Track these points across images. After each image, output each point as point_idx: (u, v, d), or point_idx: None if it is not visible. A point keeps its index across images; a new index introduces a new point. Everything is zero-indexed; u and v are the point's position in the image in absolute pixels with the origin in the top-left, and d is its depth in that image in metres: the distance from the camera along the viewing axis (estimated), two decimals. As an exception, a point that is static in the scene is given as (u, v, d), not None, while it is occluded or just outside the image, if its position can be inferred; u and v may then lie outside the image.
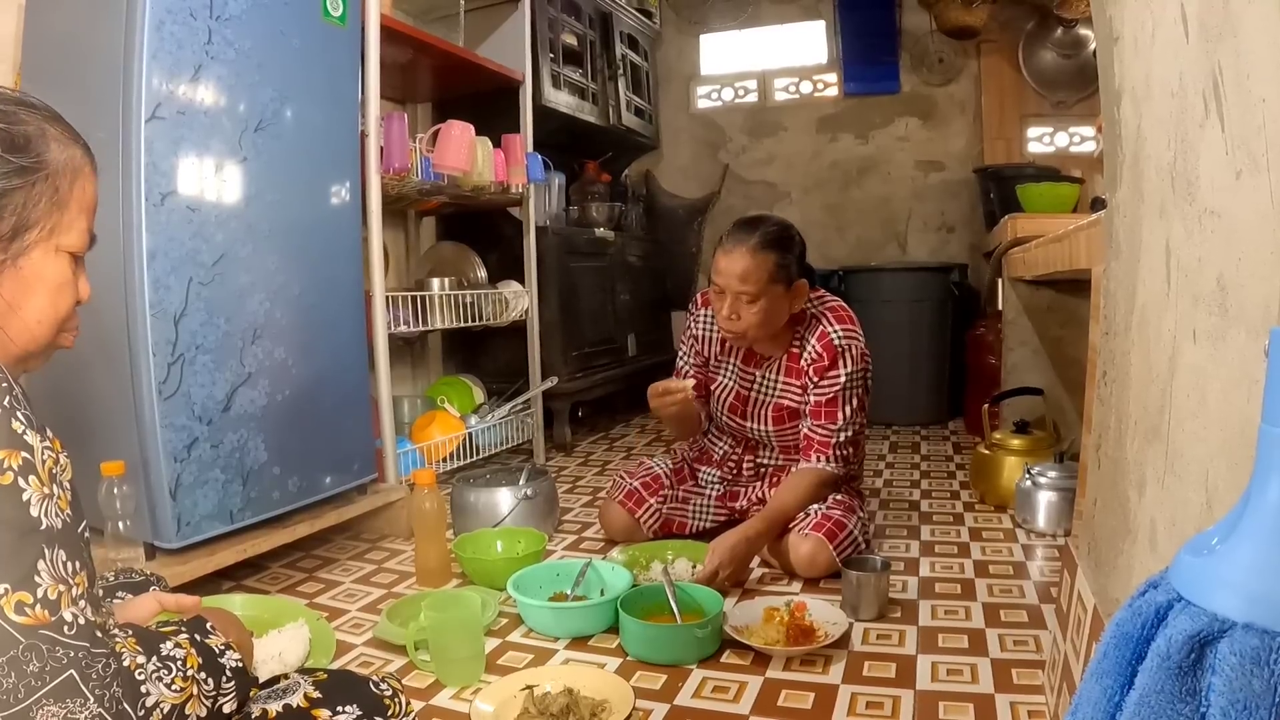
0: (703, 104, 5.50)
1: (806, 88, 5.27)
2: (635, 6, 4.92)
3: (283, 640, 1.63)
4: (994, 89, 4.79)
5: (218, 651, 1.03)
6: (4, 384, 0.89)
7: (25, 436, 0.88)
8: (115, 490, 1.79)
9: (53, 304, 1.02)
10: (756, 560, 2.26)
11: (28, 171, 0.97)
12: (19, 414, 0.89)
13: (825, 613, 1.86)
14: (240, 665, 1.04)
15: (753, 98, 5.39)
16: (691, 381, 2.38)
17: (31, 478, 0.87)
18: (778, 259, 2.18)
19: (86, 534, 1.06)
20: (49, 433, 0.98)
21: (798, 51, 5.26)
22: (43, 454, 0.90)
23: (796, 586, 2.18)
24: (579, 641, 1.89)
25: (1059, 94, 4.66)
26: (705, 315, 2.47)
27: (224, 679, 1.00)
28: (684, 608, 1.88)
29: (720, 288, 2.22)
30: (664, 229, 5.16)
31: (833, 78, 5.19)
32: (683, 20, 5.45)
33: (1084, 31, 4.52)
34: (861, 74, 5.06)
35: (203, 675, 0.97)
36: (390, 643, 1.87)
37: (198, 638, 1.02)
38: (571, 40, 4.24)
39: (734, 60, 5.41)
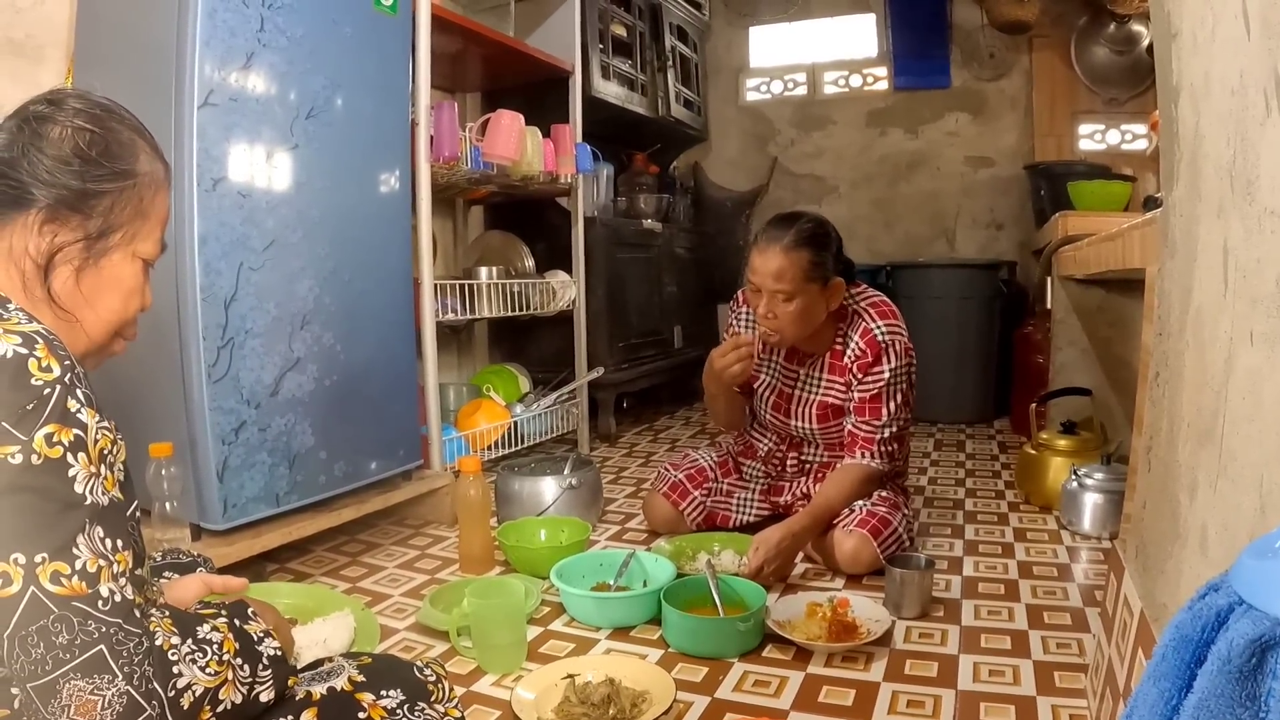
0: (752, 96, 5.46)
1: (856, 81, 5.22)
2: (685, -2, 4.90)
3: (328, 627, 1.65)
4: (1045, 85, 4.70)
5: (256, 638, 1.02)
6: (67, 362, 0.91)
7: (79, 415, 0.89)
8: (163, 471, 1.82)
9: (124, 306, 1.08)
10: (800, 555, 2.24)
11: (121, 177, 1.04)
12: (78, 392, 0.90)
13: (868, 610, 1.84)
14: (279, 653, 1.03)
15: (802, 91, 5.34)
16: (754, 334, 2.34)
17: (81, 455, 0.88)
18: (812, 257, 2.15)
19: (136, 517, 1.08)
20: (105, 415, 0.99)
21: (848, 44, 5.20)
22: (96, 433, 0.91)
23: (839, 583, 2.16)
24: (621, 632, 1.88)
25: (1111, 90, 4.57)
26: (747, 312, 2.45)
27: (261, 666, 1.00)
28: (727, 601, 1.87)
29: (756, 286, 2.20)
30: (711, 221, 5.14)
31: (883, 71, 5.13)
32: (732, 12, 5.42)
33: (1137, 27, 4.42)
34: (912, 68, 5.00)
35: (239, 661, 0.97)
36: (433, 628, 1.87)
37: (237, 623, 1.02)
38: (621, 31, 4.22)
39: (783, 53, 5.37)
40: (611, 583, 2.05)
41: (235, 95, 1.97)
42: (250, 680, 0.97)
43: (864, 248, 4.87)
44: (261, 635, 1.03)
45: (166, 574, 1.37)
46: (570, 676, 1.57)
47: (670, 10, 4.70)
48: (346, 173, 2.29)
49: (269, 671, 1.00)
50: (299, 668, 1.23)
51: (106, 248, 1.04)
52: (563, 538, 2.36)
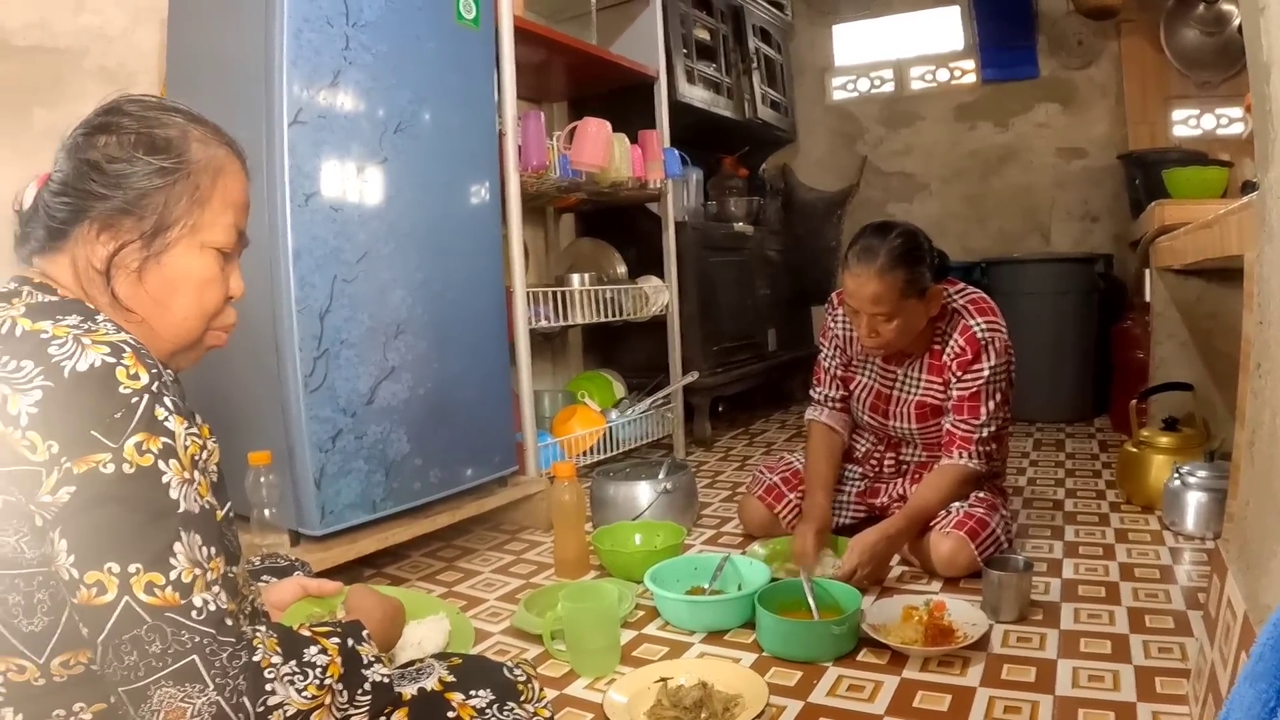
0: (838, 95, 5.39)
1: (943, 75, 5.10)
2: (766, -1, 4.87)
3: (423, 630, 1.66)
4: (1135, 71, 4.50)
5: (365, 662, 1.01)
6: (154, 370, 0.92)
7: (167, 422, 0.90)
8: (262, 479, 1.87)
9: (199, 299, 1.05)
10: (896, 558, 2.19)
11: (168, 172, 1.01)
12: (165, 400, 0.91)
13: (965, 613, 1.78)
14: (385, 680, 1.02)
15: (888, 87, 5.24)
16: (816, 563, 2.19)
17: (172, 461, 0.89)
18: (907, 275, 2.08)
19: (230, 520, 1.10)
20: (197, 419, 1.01)
21: (933, 38, 5.09)
22: (185, 440, 0.92)
23: (936, 585, 2.10)
24: (715, 636, 1.87)
25: (1203, 74, 4.34)
26: (844, 315, 2.39)
27: (360, 692, 0.99)
28: (822, 604, 1.83)
29: (854, 308, 2.15)
30: (802, 223, 5.07)
31: (969, 64, 5.01)
32: (814, 11, 5.35)
33: (1227, 7, 4.20)
34: (999, 59, 4.86)
35: (340, 686, 0.96)
36: (527, 632, 1.89)
37: (349, 643, 1.01)
38: (704, 35, 4.20)
39: (868, 50, 5.28)
40: (706, 586, 2.03)
41: (324, 112, 2.02)
42: (346, 705, 0.97)
43: (957, 244, 4.74)
44: (371, 660, 1.02)
45: (265, 578, 1.41)
46: (663, 680, 1.56)
47: (752, 12, 4.66)
48: (436, 185, 2.33)
49: (368, 697, 0.99)
50: (395, 666, 1.25)
51: (166, 244, 1.02)
52: (657, 542, 2.35)
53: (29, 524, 0.85)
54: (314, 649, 0.96)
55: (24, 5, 2.18)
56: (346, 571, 2.09)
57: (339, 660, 0.98)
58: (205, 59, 2.12)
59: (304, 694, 0.92)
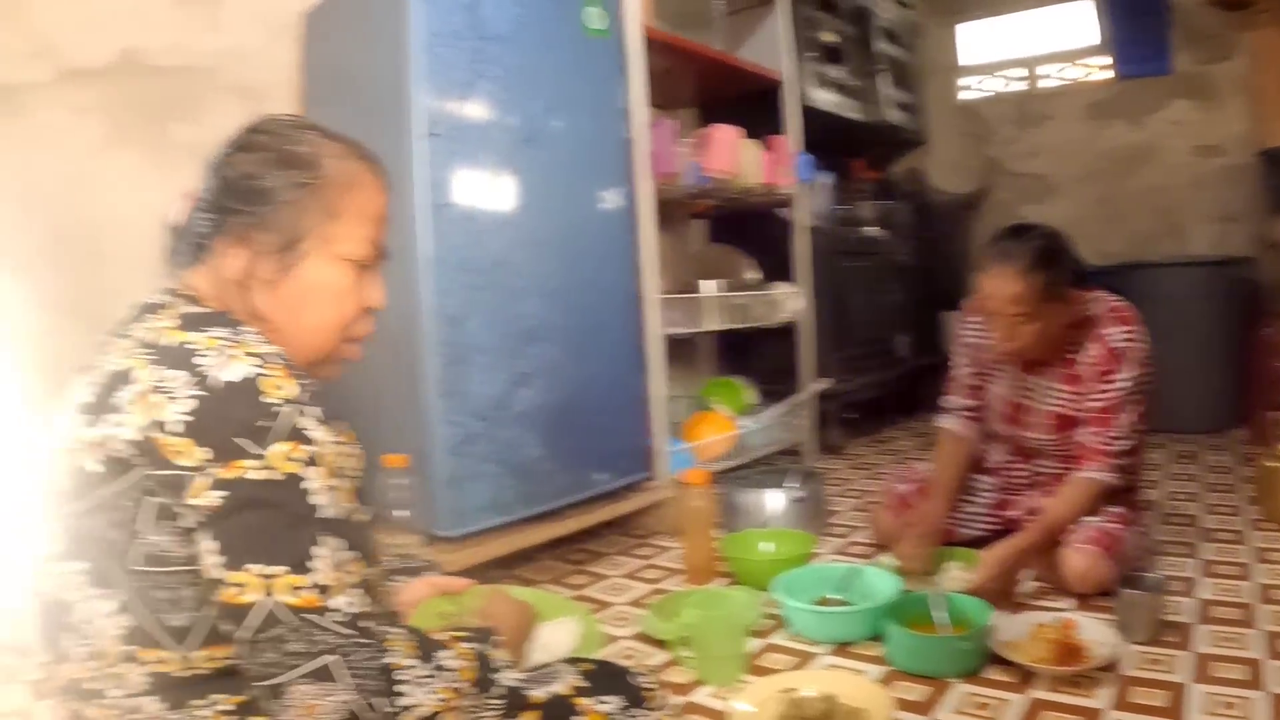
0: (967, 95, 5.23)
1: (1074, 73, 4.88)
2: (891, -1, 4.77)
3: (554, 632, 1.68)
4: (1273, 64, 4.17)
5: (496, 666, 1.03)
6: (300, 381, 0.95)
7: (311, 431, 0.93)
8: (396, 481, 1.92)
9: (333, 310, 1.08)
10: (1027, 573, 2.10)
11: (300, 186, 1.04)
12: (309, 410, 0.94)
13: (1095, 632, 1.70)
14: (516, 684, 1.04)
15: (1018, 86, 5.05)
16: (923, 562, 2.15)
17: (315, 469, 0.93)
18: (1048, 277, 2.01)
19: (369, 525, 1.14)
20: (341, 426, 1.05)
21: (1063, 35, 4.88)
22: (328, 447, 0.95)
23: (1067, 602, 2.01)
24: (842, 647, 1.83)
25: None
26: (979, 323, 2.32)
27: (491, 695, 1.00)
28: (951, 619, 1.77)
29: (991, 311, 2.07)
30: (933, 226, 4.92)
31: (1101, 61, 4.77)
32: (941, 10, 5.20)
33: None
34: (1131, 55, 4.61)
35: (473, 689, 0.98)
36: (654, 638, 1.88)
37: (482, 647, 1.03)
38: (830, 37, 4.13)
39: (997, 48, 5.10)
40: (834, 597, 1.99)
41: (458, 124, 2.08)
42: (477, 708, 0.98)
43: (1090, 248, 4.47)
44: (503, 664, 1.04)
45: (397, 578, 1.44)
46: (788, 691, 1.53)
47: (878, 13, 4.56)
48: (568, 192, 2.37)
49: (499, 700, 1.01)
50: (524, 669, 1.26)
51: (299, 255, 1.04)
52: (786, 550, 2.32)
53: (178, 525, 0.90)
54: (447, 653, 0.98)
55: (163, 27, 2.30)
56: (477, 573, 2.11)
57: (471, 664, 1.00)
58: (340, 74, 2.22)
59: (436, 695, 0.93)
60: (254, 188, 1.03)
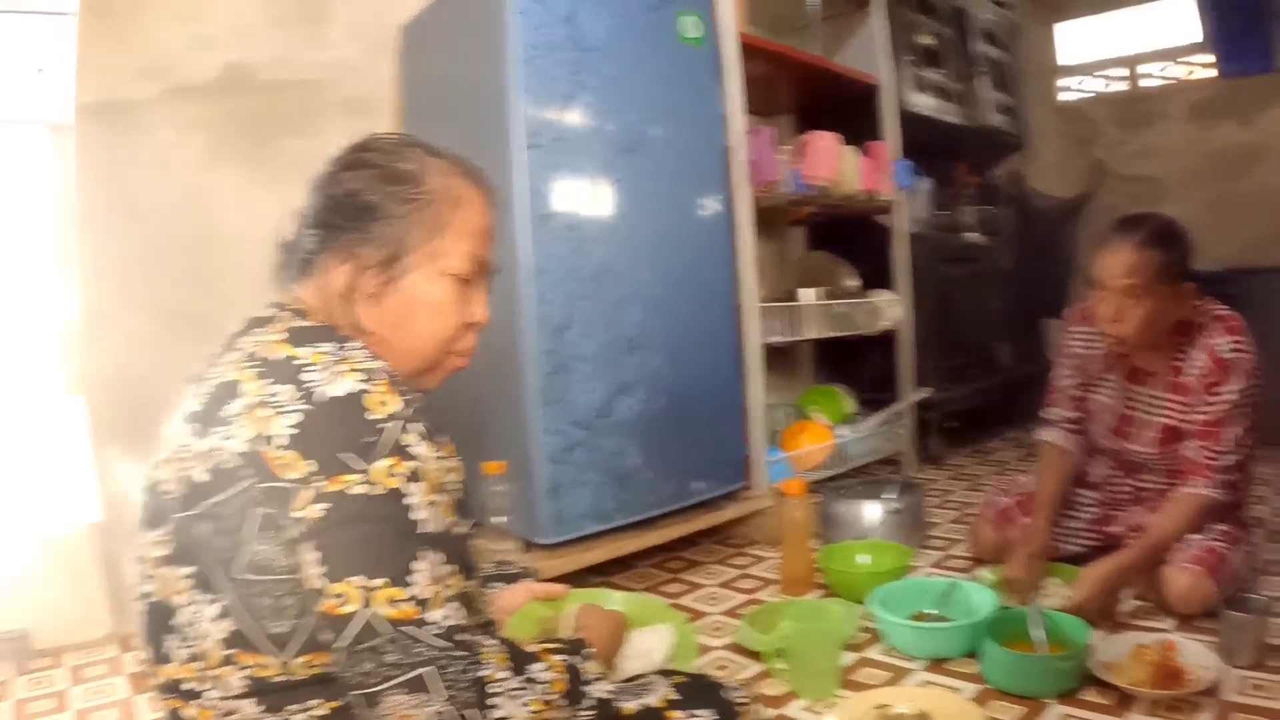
0: (1068, 96, 5.08)
1: (1177, 71, 4.70)
2: (990, -1, 4.66)
3: (649, 639, 1.69)
4: None
5: (588, 679, 1.04)
6: (405, 397, 0.98)
7: (414, 448, 0.96)
8: (497, 488, 1.95)
9: (436, 324, 1.10)
10: (1129, 591, 2.04)
11: (405, 202, 1.07)
12: (413, 426, 0.97)
13: (1198, 655, 1.63)
14: (607, 697, 1.05)
15: (1121, 86, 4.89)
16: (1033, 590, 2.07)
17: (417, 484, 0.95)
18: (1164, 255, 1.96)
19: (468, 538, 1.16)
20: (443, 439, 1.07)
21: (1165, 32, 4.70)
22: (431, 464, 0.98)
23: (1169, 623, 1.94)
24: (938, 663, 1.80)
25: None
26: (1084, 332, 2.26)
27: (583, 707, 1.01)
28: (1050, 637, 1.72)
29: (1102, 286, 2.02)
30: (1036, 232, 4.76)
31: (1205, 58, 4.59)
32: (1040, 8, 5.05)
33: None
34: (1236, 51, 4.42)
35: (564, 701, 0.99)
36: (749, 649, 1.88)
37: (574, 660, 1.04)
38: (929, 40, 4.04)
39: (1098, 47, 4.95)
40: (932, 612, 1.96)
41: (558, 134, 2.12)
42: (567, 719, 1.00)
43: (1201, 253, 4.30)
44: (594, 678, 1.05)
45: (495, 584, 1.47)
46: (882, 707, 1.52)
47: (976, 15, 4.45)
48: (667, 201, 2.38)
49: (590, 713, 1.02)
50: (621, 678, 1.27)
51: (404, 270, 1.07)
52: (885, 563, 2.29)
53: (282, 536, 0.93)
54: (539, 665, 0.99)
55: (266, 42, 2.40)
56: (575, 579, 2.15)
57: (562, 676, 1.01)
58: (439, 87, 2.29)
59: (529, 708, 0.95)
60: (359, 204, 1.06)
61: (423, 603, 0.91)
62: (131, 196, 2.21)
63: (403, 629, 0.89)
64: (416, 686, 0.89)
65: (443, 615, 0.92)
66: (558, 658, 1.02)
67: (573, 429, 2.16)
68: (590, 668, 1.05)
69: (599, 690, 1.04)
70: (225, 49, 2.34)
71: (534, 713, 0.95)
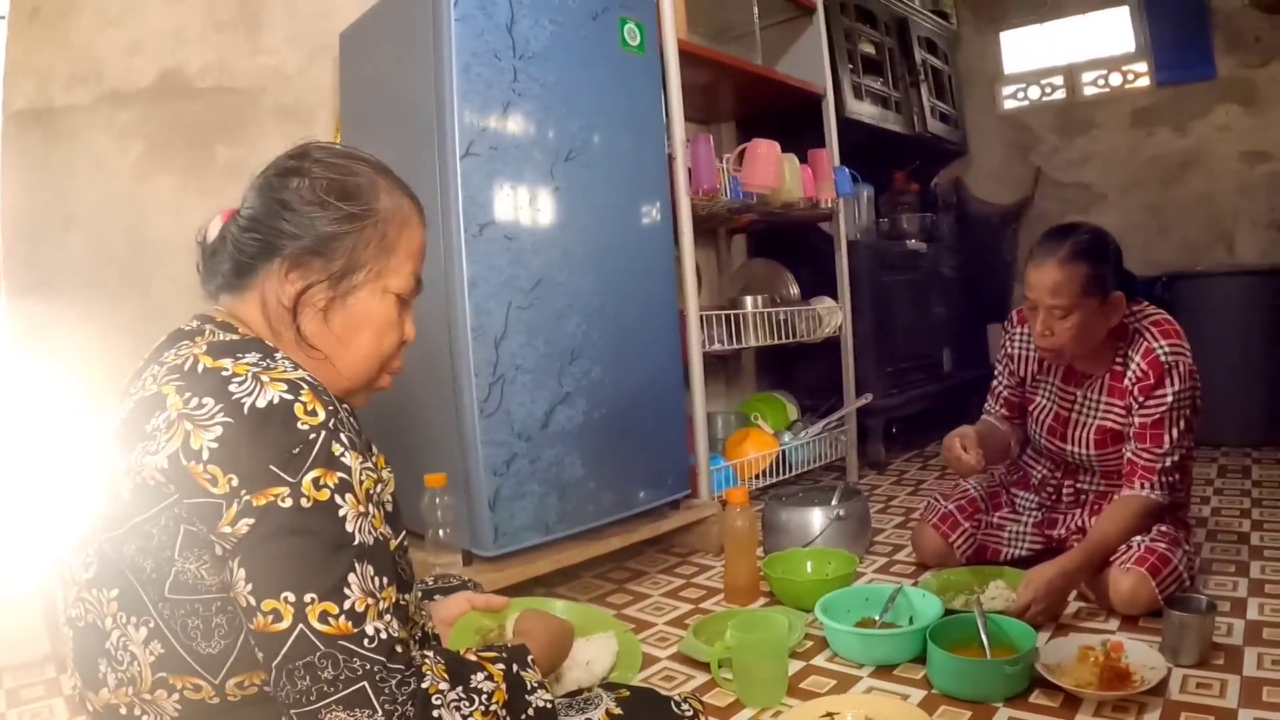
0: (1009, 104, 5.15)
1: (1116, 80, 4.79)
2: (930, 8, 4.71)
3: (591, 649, 1.67)
4: None
5: (529, 688, 1.03)
6: (330, 407, 0.96)
7: (343, 458, 0.94)
8: (437, 500, 1.93)
9: (378, 341, 1.11)
10: (1073, 594, 2.06)
11: (358, 218, 1.07)
12: (341, 436, 0.95)
13: (1143, 655, 1.65)
14: (548, 705, 1.03)
15: (1061, 94, 4.97)
16: (981, 463, 2.19)
17: (348, 495, 0.93)
18: (1090, 270, 1.99)
19: (405, 548, 1.13)
20: (374, 451, 1.06)
21: (1104, 41, 4.80)
22: (361, 474, 0.96)
23: (1114, 624, 1.96)
24: (884, 670, 1.80)
25: None
26: (1021, 334, 2.30)
27: (525, 718, 1.00)
28: (995, 641, 1.74)
29: (1032, 302, 2.05)
30: (977, 237, 4.85)
31: (1143, 67, 4.68)
32: (981, 19, 5.14)
33: None
34: (1173, 60, 4.53)
35: (504, 712, 0.98)
36: (694, 659, 1.87)
37: (515, 669, 1.03)
38: (869, 49, 4.08)
39: (1038, 56, 5.03)
40: (877, 618, 1.96)
41: (495, 143, 2.09)
42: None
43: (1138, 258, 4.38)
44: (535, 685, 1.04)
45: (435, 597, 1.44)
46: (829, 715, 1.51)
47: (917, 23, 4.52)
48: (608, 210, 2.36)
49: None
50: (561, 691, 1.25)
51: (352, 286, 1.07)
52: (829, 570, 2.30)
53: (209, 552, 0.90)
54: (480, 675, 0.98)
55: (203, 48, 2.36)
56: (519, 591, 2.11)
57: (504, 686, 0.99)
58: (379, 94, 2.25)
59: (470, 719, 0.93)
60: (311, 214, 1.05)
61: (358, 616, 0.89)
62: (63, 204, 2.15)
63: (339, 643, 0.87)
64: (355, 702, 0.86)
65: (379, 628, 0.90)
66: (498, 667, 1.01)
67: (513, 440, 2.13)
68: (531, 676, 1.04)
69: (541, 700, 1.03)
70: (160, 55, 2.29)
71: None
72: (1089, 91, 4.90)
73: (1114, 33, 4.78)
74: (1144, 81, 4.72)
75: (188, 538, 0.91)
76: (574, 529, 2.27)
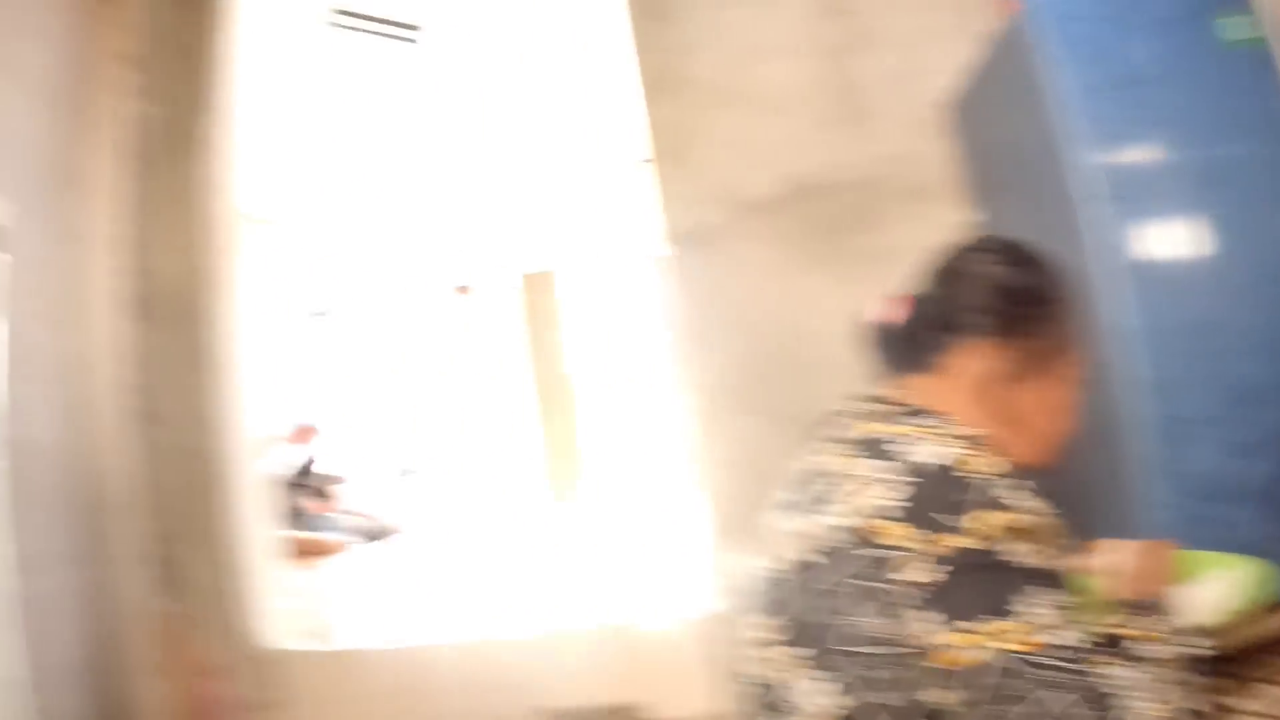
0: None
1: None
2: None
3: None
4: None
5: (1190, 640, 1.09)
6: (995, 461, 1.06)
7: (1009, 500, 1.02)
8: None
9: (1063, 427, 1.26)
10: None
11: (1045, 317, 1.23)
12: (1002, 483, 1.03)
13: None
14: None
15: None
16: None
17: (1016, 534, 1.00)
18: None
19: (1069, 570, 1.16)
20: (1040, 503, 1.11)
21: None
22: (1030, 517, 1.03)
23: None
24: None
25: None
26: None
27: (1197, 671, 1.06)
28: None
29: None
30: None
31: None
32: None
33: None
34: None
35: (1179, 674, 1.03)
36: None
37: (1168, 625, 1.10)
38: None
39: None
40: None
41: (1126, 179, 1.96)
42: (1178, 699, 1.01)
43: None
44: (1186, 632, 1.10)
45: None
46: None
47: None
48: (1264, 229, 2.06)
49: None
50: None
51: (1047, 369, 1.20)
52: None
53: (893, 605, 0.98)
54: (1145, 647, 1.03)
55: (816, 149, 2.55)
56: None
57: (1168, 646, 1.05)
58: (994, 157, 2.22)
59: (1156, 698, 0.97)
60: (1015, 308, 1.19)
61: (1047, 631, 0.95)
62: (724, 310, 2.51)
63: (1037, 660, 0.92)
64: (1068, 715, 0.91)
65: (1071, 638, 0.96)
66: (1154, 630, 1.06)
67: (1191, 501, 1.91)
68: (1174, 624, 1.10)
69: (1199, 646, 1.08)
70: (779, 162, 2.53)
71: (1164, 701, 0.97)
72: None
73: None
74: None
75: (871, 593, 1.01)
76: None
